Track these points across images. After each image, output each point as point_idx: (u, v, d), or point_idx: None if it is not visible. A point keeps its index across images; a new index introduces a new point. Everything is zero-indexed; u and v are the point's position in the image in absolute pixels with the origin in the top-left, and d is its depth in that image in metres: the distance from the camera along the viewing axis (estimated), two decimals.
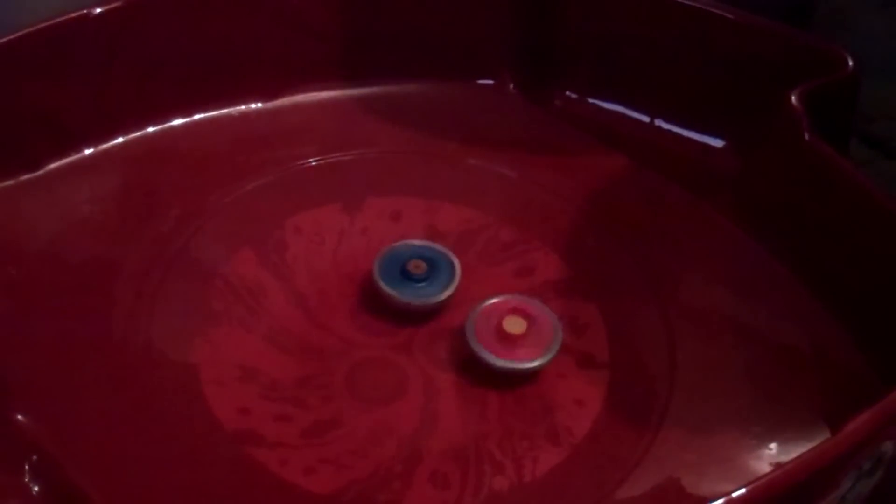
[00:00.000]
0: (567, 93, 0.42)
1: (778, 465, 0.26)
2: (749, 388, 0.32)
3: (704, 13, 0.39)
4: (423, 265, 0.34)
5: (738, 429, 0.31)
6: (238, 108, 0.41)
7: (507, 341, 0.32)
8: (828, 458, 0.25)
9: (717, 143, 0.40)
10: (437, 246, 0.35)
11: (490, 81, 0.42)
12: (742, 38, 0.39)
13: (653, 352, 0.33)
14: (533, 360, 0.32)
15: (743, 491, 0.24)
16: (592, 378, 0.33)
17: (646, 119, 0.41)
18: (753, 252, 0.36)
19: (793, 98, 0.36)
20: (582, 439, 0.31)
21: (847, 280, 0.34)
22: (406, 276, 0.34)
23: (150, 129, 0.39)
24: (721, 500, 0.24)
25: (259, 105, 0.41)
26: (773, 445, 0.31)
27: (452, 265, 0.34)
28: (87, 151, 0.38)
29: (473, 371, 0.32)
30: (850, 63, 0.37)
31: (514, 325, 0.32)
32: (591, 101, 0.42)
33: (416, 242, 0.35)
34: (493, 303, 0.33)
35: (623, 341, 0.34)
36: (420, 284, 0.34)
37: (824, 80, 0.37)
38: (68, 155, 0.38)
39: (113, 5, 0.38)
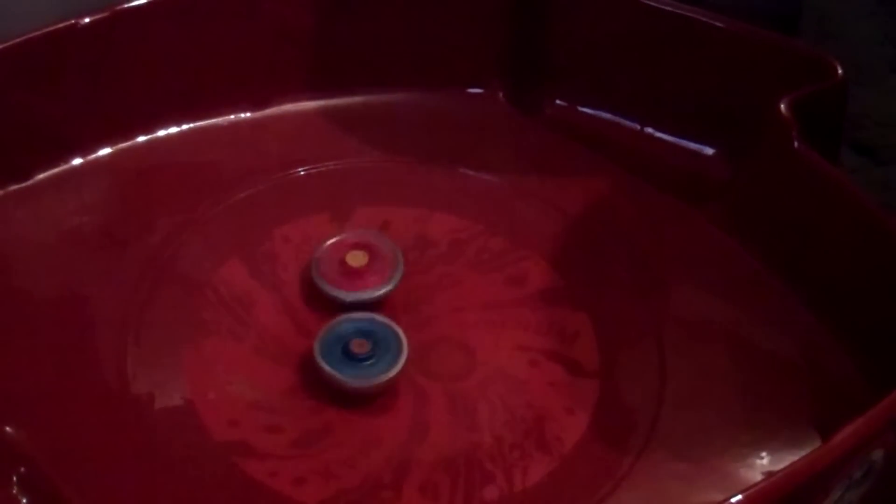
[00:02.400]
0: (557, 101, 0.42)
1: (769, 474, 0.27)
2: (740, 396, 0.32)
3: (694, 22, 0.39)
4: (367, 343, 0.32)
5: (728, 438, 0.31)
6: (227, 117, 0.40)
7: (352, 274, 0.33)
8: (819, 467, 0.25)
9: (708, 151, 0.40)
10: (380, 318, 0.33)
11: (480, 90, 0.42)
12: (732, 47, 0.39)
13: (643, 360, 0.33)
14: (378, 287, 0.32)
15: (734, 500, 0.24)
16: (583, 387, 0.32)
17: (636, 127, 0.41)
18: (743, 260, 0.36)
19: (782, 106, 0.36)
20: (572, 448, 0.31)
21: (837, 288, 0.34)
22: (349, 356, 0.32)
23: (140, 139, 0.39)
24: None
25: (248, 115, 0.41)
26: (764, 454, 0.31)
27: (398, 339, 0.32)
28: (77, 161, 0.38)
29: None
30: (840, 71, 0.37)
31: (356, 258, 0.33)
32: (581, 109, 0.42)
33: (357, 316, 0.33)
34: (333, 241, 0.33)
35: (613, 350, 0.34)
36: (367, 363, 0.31)
37: (814, 88, 0.37)
38: (57, 165, 0.38)
39: (101, 15, 0.38)
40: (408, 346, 0.32)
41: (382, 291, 0.33)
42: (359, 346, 0.31)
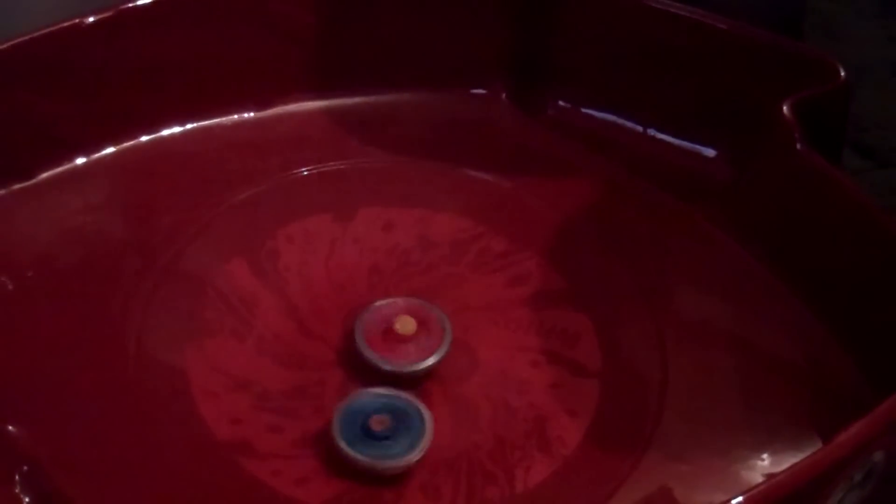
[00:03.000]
0: (560, 102, 0.42)
1: (770, 476, 0.26)
2: (741, 398, 0.32)
3: (697, 23, 0.39)
4: (388, 420, 0.30)
5: (730, 439, 0.31)
6: (231, 117, 0.41)
7: (397, 341, 0.32)
8: (820, 469, 0.25)
9: (710, 152, 0.40)
10: (404, 395, 0.31)
11: (483, 91, 0.42)
12: (734, 49, 0.39)
13: (645, 362, 0.33)
14: (424, 359, 0.31)
15: (735, 501, 0.24)
16: (584, 388, 0.33)
17: (639, 129, 0.41)
18: (746, 262, 0.36)
19: (785, 108, 0.36)
20: (574, 449, 0.31)
21: (839, 290, 0.34)
22: (368, 434, 0.30)
23: (143, 139, 0.39)
24: None
25: (251, 114, 0.41)
26: (765, 456, 0.31)
27: (421, 416, 0.30)
28: (80, 161, 0.38)
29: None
30: (843, 73, 0.37)
31: (405, 324, 0.32)
32: (583, 110, 0.42)
33: (379, 392, 0.31)
34: (381, 305, 0.32)
35: (615, 351, 0.34)
36: (386, 442, 0.29)
37: (817, 90, 0.37)
38: (61, 164, 0.38)
39: (105, 15, 0.38)
40: (432, 429, 0.30)
41: (426, 364, 0.32)
42: (379, 424, 0.29)
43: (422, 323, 0.32)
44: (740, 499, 0.24)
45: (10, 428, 0.30)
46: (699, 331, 0.34)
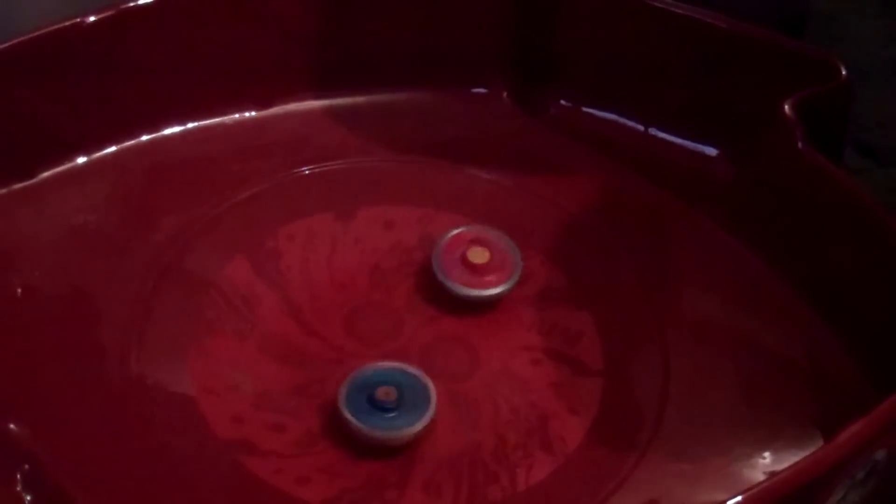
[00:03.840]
0: (561, 101, 0.42)
1: (772, 474, 0.26)
2: (743, 396, 0.32)
3: (698, 22, 0.39)
4: (394, 392, 0.30)
5: (731, 437, 0.31)
6: (232, 116, 0.41)
7: (474, 271, 0.33)
8: (822, 467, 0.25)
9: (711, 151, 0.40)
10: (410, 368, 0.31)
11: (484, 90, 0.42)
12: (736, 48, 0.39)
13: (647, 360, 0.33)
14: (497, 286, 0.33)
15: (736, 500, 0.24)
16: (586, 387, 0.33)
17: (640, 128, 0.41)
18: (747, 261, 0.36)
19: (786, 107, 0.36)
20: (575, 448, 0.31)
21: (841, 289, 0.34)
22: (374, 405, 0.30)
23: (144, 138, 0.39)
24: None
25: (253, 113, 0.41)
26: (766, 454, 0.31)
27: (427, 389, 0.31)
28: (81, 160, 0.38)
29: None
30: (844, 72, 0.37)
31: (478, 255, 0.33)
32: (585, 109, 0.42)
33: (385, 365, 0.31)
34: (455, 234, 0.33)
35: (617, 350, 0.34)
36: (390, 414, 0.30)
37: (818, 89, 0.37)
38: (61, 163, 0.38)
39: (107, 14, 0.38)
40: (436, 401, 0.31)
41: (501, 289, 0.33)
42: (385, 395, 0.30)
43: (493, 252, 0.34)
44: (742, 497, 0.24)
45: (12, 426, 0.30)
46: (701, 329, 0.34)
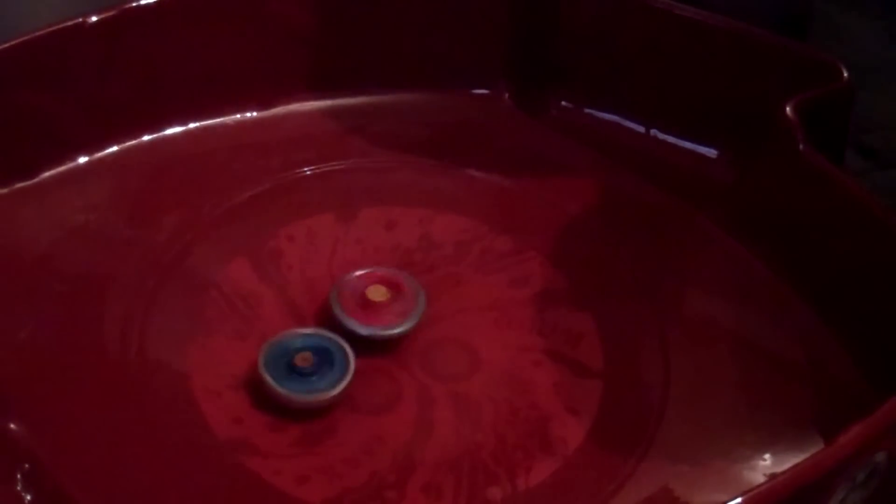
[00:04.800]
0: (562, 102, 0.42)
1: (772, 476, 0.26)
2: (743, 398, 0.32)
3: (701, 24, 0.39)
4: (311, 357, 0.31)
5: (732, 439, 0.31)
6: (233, 116, 0.41)
7: (371, 308, 0.33)
8: (822, 469, 0.25)
9: (713, 153, 0.40)
10: (327, 333, 0.32)
11: (485, 91, 0.42)
12: (738, 49, 0.39)
13: (647, 362, 0.33)
14: (396, 325, 0.32)
15: (737, 501, 0.24)
16: (587, 388, 0.32)
17: (641, 129, 0.41)
18: (748, 262, 0.36)
19: (788, 109, 0.36)
20: (576, 449, 0.31)
21: (842, 291, 0.34)
22: (293, 370, 0.31)
23: (146, 138, 0.39)
24: None
25: (254, 114, 0.41)
26: (767, 456, 0.31)
27: (344, 352, 0.32)
28: (82, 160, 0.38)
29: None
30: (845, 74, 0.37)
31: (378, 293, 0.33)
32: (586, 110, 0.42)
33: (305, 331, 0.32)
34: (358, 275, 0.33)
35: (618, 351, 0.34)
36: (312, 378, 0.31)
37: (819, 91, 0.37)
38: (63, 163, 0.38)
39: (108, 14, 0.38)
40: (354, 366, 0.31)
41: (398, 330, 0.33)
42: (303, 361, 0.31)
43: (395, 290, 0.33)
44: (742, 499, 0.24)
45: (12, 426, 0.30)
46: (701, 331, 0.34)
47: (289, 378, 0.31)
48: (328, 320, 0.33)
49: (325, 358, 0.32)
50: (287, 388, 0.31)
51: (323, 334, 0.32)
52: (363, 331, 0.32)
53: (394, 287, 0.33)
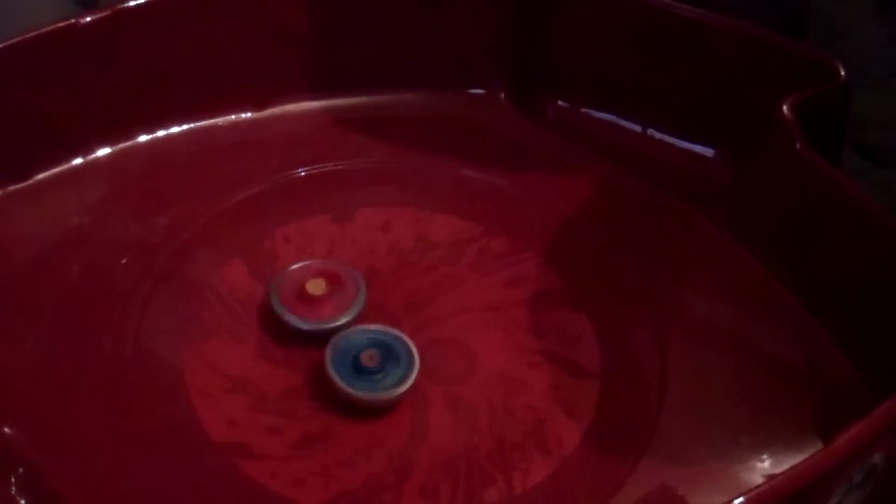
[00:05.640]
0: (559, 102, 0.42)
1: (770, 477, 0.26)
2: (740, 399, 0.32)
3: (697, 23, 0.39)
4: (378, 355, 0.31)
5: (729, 440, 0.31)
6: (228, 117, 0.40)
7: (311, 302, 0.32)
8: (819, 470, 0.25)
9: (709, 152, 0.40)
10: (392, 331, 0.32)
11: (482, 91, 0.42)
12: (734, 48, 0.39)
13: (645, 362, 0.33)
14: (336, 318, 0.32)
15: (735, 502, 0.24)
16: (584, 389, 0.32)
17: (638, 129, 0.41)
18: (745, 262, 0.36)
19: (785, 108, 0.36)
20: (573, 451, 0.31)
21: (839, 291, 0.34)
22: (359, 369, 0.31)
23: (141, 139, 0.39)
24: None
25: (249, 115, 0.41)
26: (764, 457, 0.30)
27: (410, 351, 0.32)
28: (76, 161, 0.38)
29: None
30: (843, 73, 0.37)
31: (316, 286, 0.33)
32: (583, 110, 0.42)
33: (368, 328, 0.33)
34: (295, 268, 0.33)
35: (615, 352, 0.33)
36: (376, 376, 0.31)
37: (817, 90, 0.37)
38: (57, 164, 0.38)
39: (101, 14, 0.37)
40: (419, 361, 0.32)
41: (339, 322, 0.33)
42: (369, 359, 0.31)
43: (334, 283, 0.33)
44: (740, 500, 0.24)
45: (7, 430, 0.30)
46: (699, 331, 0.34)
47: (356, 377, 0.31)
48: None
49: (389, 355, 0.32)
50: (355, 388, 0.31)
51: (387, 331, 0.32)
52: (304, 325, 0.33)
53: (333, 279, 0.33)
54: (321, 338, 0.32)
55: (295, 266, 0.34)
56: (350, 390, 0.31)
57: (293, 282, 0.33)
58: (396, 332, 0.32)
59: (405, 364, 0.32)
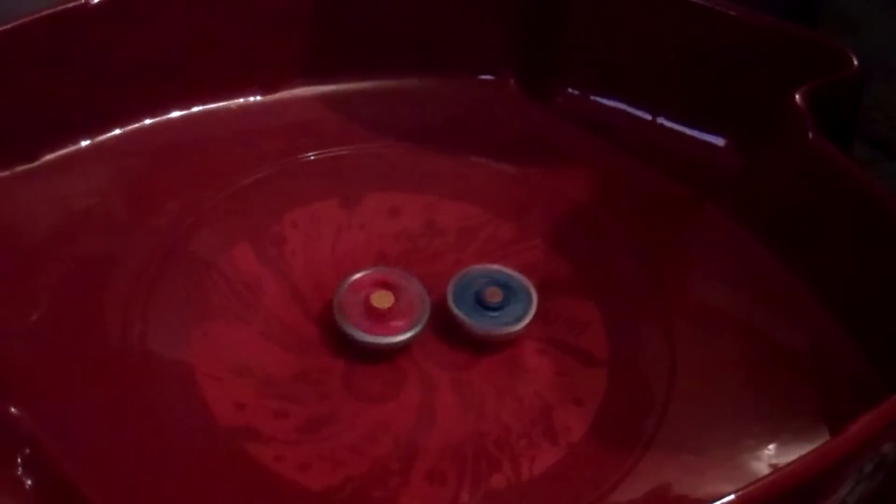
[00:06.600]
0: (568, 89, 0.42)
1: (777, 466, 0.26)
2: (749, 388, 0.32)
3: (708, 11, 0.39)
4: (500, 293, 0.33)
5: (737, 429, 0.31)
6: (237, 101, 0.40)
7: (377, 316, 0.32)
8: (830, 460, 0.25)
9: (720, 141, 0.40)
10: (513, 273, 0.34)
11: (491, 77, 0.42)
12: (746, 37, 0.39)
13: (653, 351, 0.33)
14: (403, 333, 0.32)
15: (742, 493, 0.24)
16: (591, 377, 0.32)
17: (648, 117, 0.41)
18: (755, 251, 0.36)
19: (797, 97, 0.36)
20: (580, 438, 0.31)
21: (849, 280, 0.34)
22: (481, 304, 0.33)
23: (148, 122, 0.39)
24: (720, 502, 0.23)
25: (258, 98, 0.41)
26: (772, 447, 0.30)
27: (529, 293, 0.33)
28: (84, 143, 0.38)
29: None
30: (855, 62, 0.37)
31: (382, 299, 0.32)
32: (592, 98, 0.41)
33: (488, 267, 0.34)
34: (358, 278, 0.33)
35: (623, 340, 0.33)
36: (494, 313, 0.32)
37: (829, 80, 0.36)
38: (65, 146, 0.38)
39: None
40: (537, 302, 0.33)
41: (407, 336, 0.32)
42: (492, 295, 0.32)
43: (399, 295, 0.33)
44: (749, 490, 0.24)
45: (13, 410, 0.30)
46: (707, 320, 0.34)
47: (476, 312, 0.32)
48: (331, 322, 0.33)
49: (510, 293, 0.33)
50: (477, 322, 0.32)
51: (509, 272, 0.33)
52: (368, 339, 0.32)
53: (396, 290, 0.33)
54: (392, 352, 0.32)
55: (354, 278, 0.33)
56: (475, 325, 0.32)
57: (356, 296, 0.33)
58: (514, 272, 0.33)
59: (523, 303, 0.33)
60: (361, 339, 0.32)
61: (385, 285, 0.33)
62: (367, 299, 0.32)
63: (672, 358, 0.33)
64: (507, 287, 0.33)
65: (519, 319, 0.32)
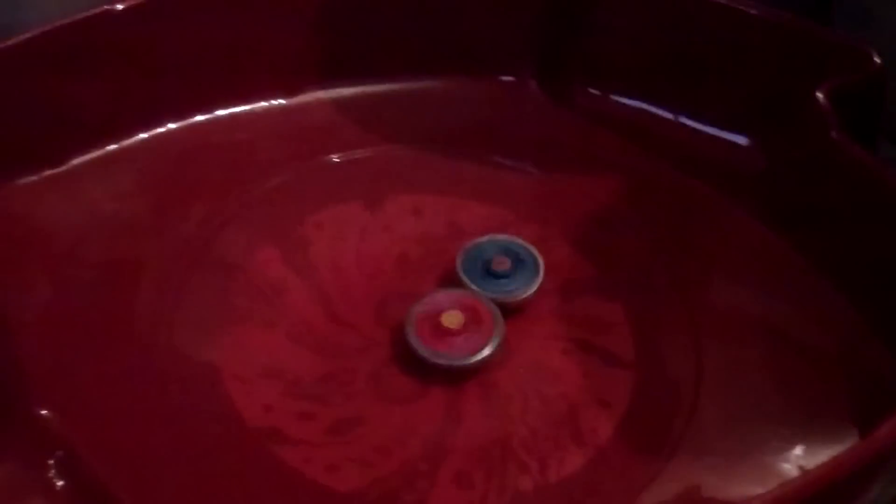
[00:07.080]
0: (590, 90, 0.42)
1: (806, 468, 0.26)
2: (776, 389, 0.32)
3: (729, 9, 0.39)
4: (508, 261, 0.34)
5: (765, 430, 0.31)
6: (260, 104, 0.40)
7: (446, 335, 0.32)
8: (861, 460, 0.25)
9: (743, 140, 0.39)
10: (521, 241, 0.35)
11: (512, 78, 0.42)
12: (768, 35, 0.39)
13: (679, 352, 0.33)
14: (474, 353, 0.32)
15: (777, 494, 0.24)
16: (617, 378, 0.32)
17: (670, 116, 0.41)
18: (780, 251, 0.36)
19: (819, 95, 0.36)
20: (607, 440, 0.31)
21: (875, 279, 0.34)
22: (490, 273, 0.34)
23: (173, 125, 0.39)
24: None
25: (281, 101, 0.41)
26: (800, 448, 0.30)
27: (536, 261, 0.34)
28: (111, 147, 0.38)
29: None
30: (877, 59, 0.37)
31: (452, 318, 0.32)
32: (614, 98, 0.41)
33: (497, 237, 0.35)
34: (431, 298, 0.33)
35: (648, 341, 0.33)
36: (503, 280, 0.33)
37: (852, 77, 0.36)
38: (91, 150, 0.38)
39: (136, 1, 0.37)
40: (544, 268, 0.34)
41: (479, 357, 0.32)
42: (500, 264, 0.33)
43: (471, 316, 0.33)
44: (781, 491, 0.24)
45: (44, 412, 0.30)
46: (733, 320, 0.34)
47: (485, 279, 0.33)
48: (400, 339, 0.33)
49: (518, 262, 0.34)
50: (484, 289, 0.33)
51: (518, 242, 0.35)
52: (439, 359, 0.32)
53: (469, 311, 0.33)
54: (456, 373, 0.32)
55: (432, 296, 0.33)
56: (483, 292, 0.33)
57: (428, 313, 0.33)
58: (523, 242, 0.34)
59: (531, 271, 0.34)
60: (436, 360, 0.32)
61: (459, 306, 0.33)
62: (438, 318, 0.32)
63: (698, 358, 0.33)
64: (513, 254, 0.34)
65: (529, 284, 0.33)
